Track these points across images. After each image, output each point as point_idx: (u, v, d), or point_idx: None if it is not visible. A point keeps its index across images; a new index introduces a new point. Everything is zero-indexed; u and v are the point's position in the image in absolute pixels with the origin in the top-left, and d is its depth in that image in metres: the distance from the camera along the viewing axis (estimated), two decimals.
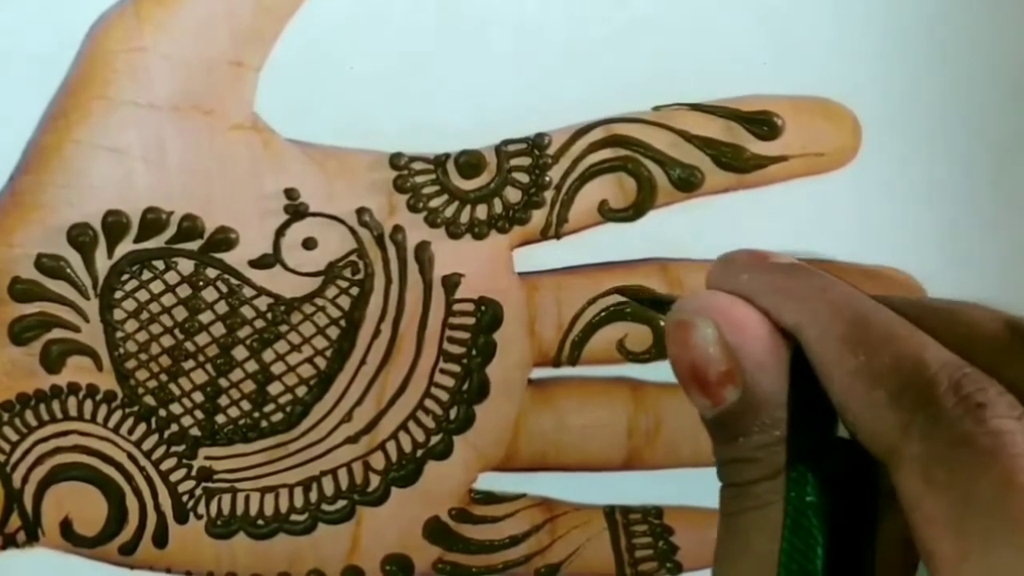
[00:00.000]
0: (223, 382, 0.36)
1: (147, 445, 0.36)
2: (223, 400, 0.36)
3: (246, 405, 0.36)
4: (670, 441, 0.37)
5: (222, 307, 0.36)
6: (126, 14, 0.34)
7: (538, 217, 0.37)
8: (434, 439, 0.37)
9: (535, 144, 0.36)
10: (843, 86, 0.36)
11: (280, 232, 0.36)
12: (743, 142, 0.36)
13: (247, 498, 0.37)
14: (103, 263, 0.35)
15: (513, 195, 0.36)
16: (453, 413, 0.37)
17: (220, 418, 0.36)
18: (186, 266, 0.36)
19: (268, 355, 0.36)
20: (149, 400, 0.36)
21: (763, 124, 0.36)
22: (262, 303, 0.36)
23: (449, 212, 0.36)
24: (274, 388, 0.36)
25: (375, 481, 0.37)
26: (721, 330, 0.26)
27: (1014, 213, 0.37)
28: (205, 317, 0.36)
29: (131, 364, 0.36)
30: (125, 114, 0.35)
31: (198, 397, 0.36)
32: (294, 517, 0.37)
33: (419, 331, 0.36)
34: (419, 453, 0.37)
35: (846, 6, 0.36)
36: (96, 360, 0.36)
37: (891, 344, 0.24)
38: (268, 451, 0.37)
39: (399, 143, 0.36)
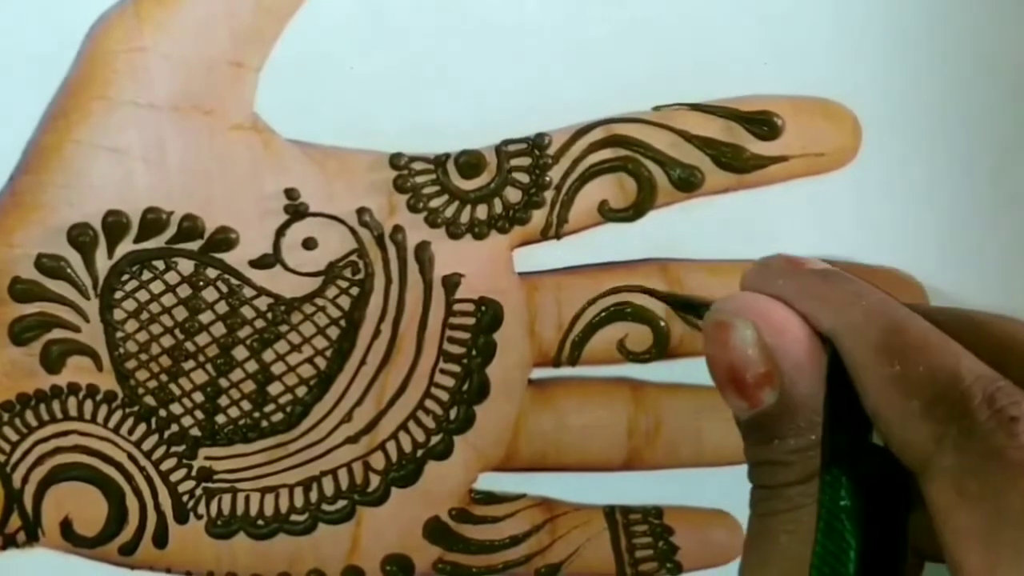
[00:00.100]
0: (223, 382, 0.36)
1: (147, 445, 0.36)
2: (223, 400, 0.36)
3: (246, 405, 0.36)
4: (670, 441, 0.37)
5: (222, 307, 0.36)
6: (126, 14, 0.34)
7: (538, 217, 0.37)
8: (434, 439, 0.37)
9: (535, 144, 0.36)
10: (843, 86, 0.36)
11: (280, 232, 0.36)
12: (743, 142, 0.36)
13: (247, 498, 0.37)
14: (103, 263, 0.35)
15: (513, 195, 0.36)
16: (453, 413, 0.37)
17: (220, 418, 0.36)
18: (186, 266, 0.36)
19: (268, 355, 0.36)
20: (149, 400, 0.36)
21: (763, 124, 0.36)
22: (262, 303, 0.36)
23: (449, 212, 0.36)
24: (274, 388, 0.36)
25: (375, 481, 0.37)
26: (760, 332, 0.26)
27: (1014, 213, 0.37)
28: (205, 317, 0.36)
29: (131, 364, 0.36)
30: (125, 114, 0.35)
31: (198, 397, 0.36)
32: (294, 517, 0.37)
33: (419, 331, 0.36)
34: (419, 453, 0.37)
35: (846, 6, 0.36)
36: (96, 360, 0.36)
37: (926, 354, 0.24)
38: (268, 451, 0.37)
39: (399, 143, 0.36)
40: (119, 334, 0.36)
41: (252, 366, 0.36)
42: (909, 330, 0.25)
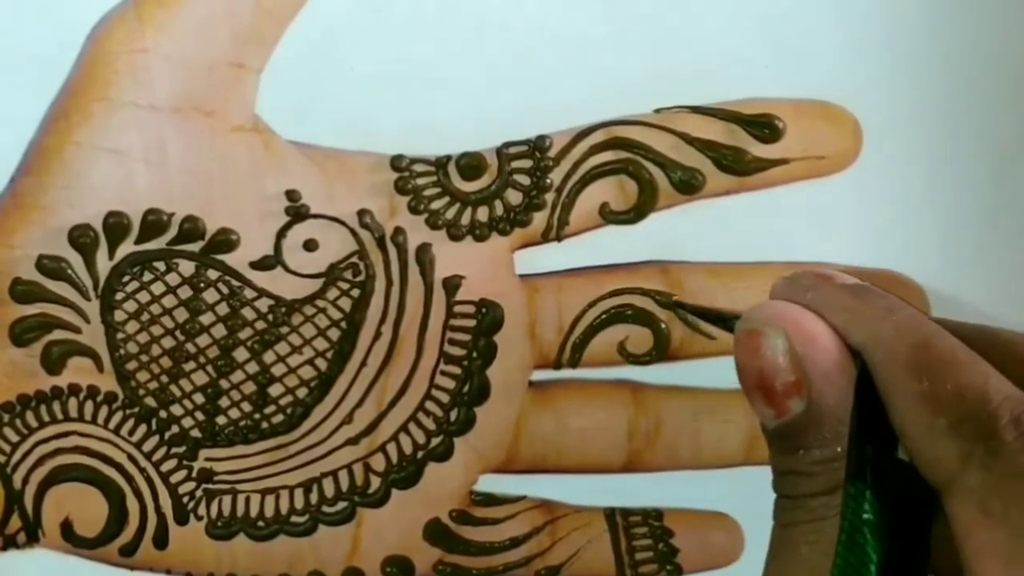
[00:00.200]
0: (224, 383, 0.36)
1: (148, 446, 0.36)
2: (224, 401, 0.36)
3: (247, 407, 0.36)
4: (670, 443, 0.37)
5: (223, 308, 0.36)
6: (127, 16, 0.34)
7: (539, 219, 0.37)
8: (435, 441, 0.37)
9: (536, 146, 0.36)
10: (844, 89, 0.36)
11: (281, 234, 0.36)
12: (744, 145, 0.36)
13: (247, 499, 0.37)
14: (104, 264, 0.35)
15: (514, 197, 0.36)
16: (454, 415, 0.37)
17: (221, 419, 0.36)
18: (187, 267, 0.36)
19: (269, 357, 0.36)
20: (150, 401, 0.36)
21: (764, 127, 0.36)
22: (263, 305, 0.36)
23: (450, 214, 0.36)
24: (275, 390, 0.36)
25: (375, 483, 0.37)
26: (791, 341, 0.26)
27: (1014, 215, 0.38)
28: (206, 318, 0.36)
29: (132, 365, 0.36)
30: (126, 115, 0.35)
31: (199, 398, 0.36)
32: (294, 518, 0.37)
33: (420, 333, 0.36)
34: (419, 455, 0.37)
35: (847, 9, 0.36)
36: (97, 361, 0.36)
37: (954, 372, 0.24)
38: (269, 452, 0.37)
39: (400, 145, 0.36)
40: (120, 335, 0.36)
41: (253, 367, 0.36)
42: (938, 347, 0.25)
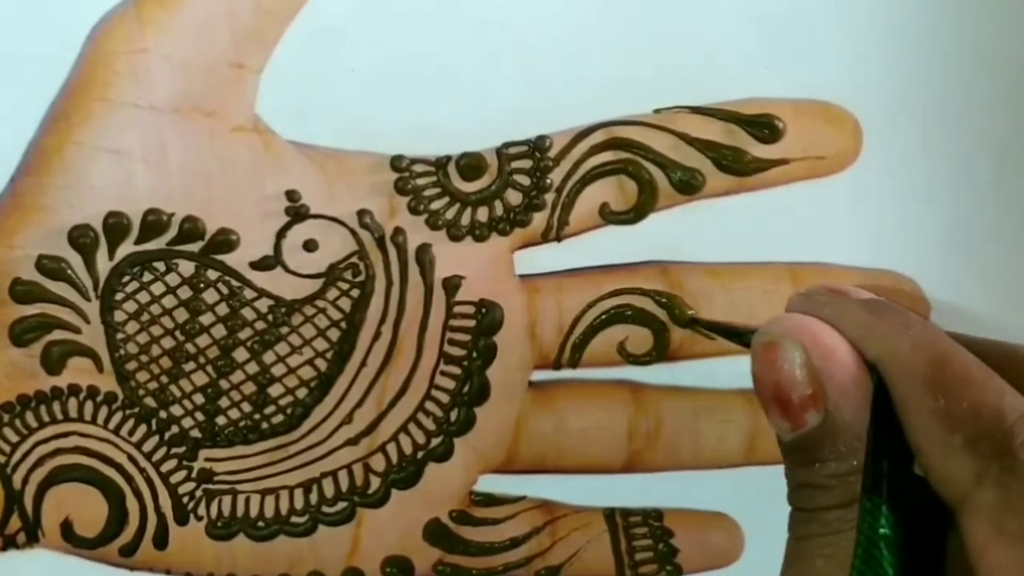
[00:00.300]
0: (224, 384, 0.36)
1: (147, 447, 0.36)
2: (224, 402, 0.36)
3: (247, 407, 0.36)
4: (670, 444, 0.37)
5: (223, 309, 0.36)
6: (127, 16, 0.34)
7: (539, 219, 0.37)
8: (434, 441, 0.37)
9: (536, 146, 0.36)
10: (844, 89, 0.36)
11: (281, 234, 0.36)
12: (744, 145, 0.36)
13: (247, 500, 0.37)
14: (104, 264, 0.35)
15: (514, 197, 0.36)
16: (453, 415, 0.37)
17: (221, 420, 0.36)
18: (187, 268, 0.36)
19: (269, 357, 0.36)
20: (150, 402, 0.36)
21: (764, 127, 0.36)
22: (263, 305, 0.36)
23: (450, 214, 0.36)
24: (275, 390, 0.36)
25: (375, 483, 0.37)
26: (809, 354, 0.26)
27: (1015, 216, 0.38)
28: (206, 319, 0.36)
29: (132, 366, 0.36)
30: (126, 116, 0.35)
31: (199, 399, 0.36)
32: (294, 519, 0.37)
33: (420, 333, 0.36)
34: (419, 455, 0.37)
35: (847, 9, 0.36)
36: (97, 362, 0.36)
37: (970, 389, 0.24)
38: (268, 453, 0.37)
39: (400, 145, 0.36)
40: (120, 335, 0.36)
41: (253, 368, 0.36)
42: (954, 364, 0.25)
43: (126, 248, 0.35)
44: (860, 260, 0.37)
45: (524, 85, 0.36)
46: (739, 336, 0.32)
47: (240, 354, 0.36)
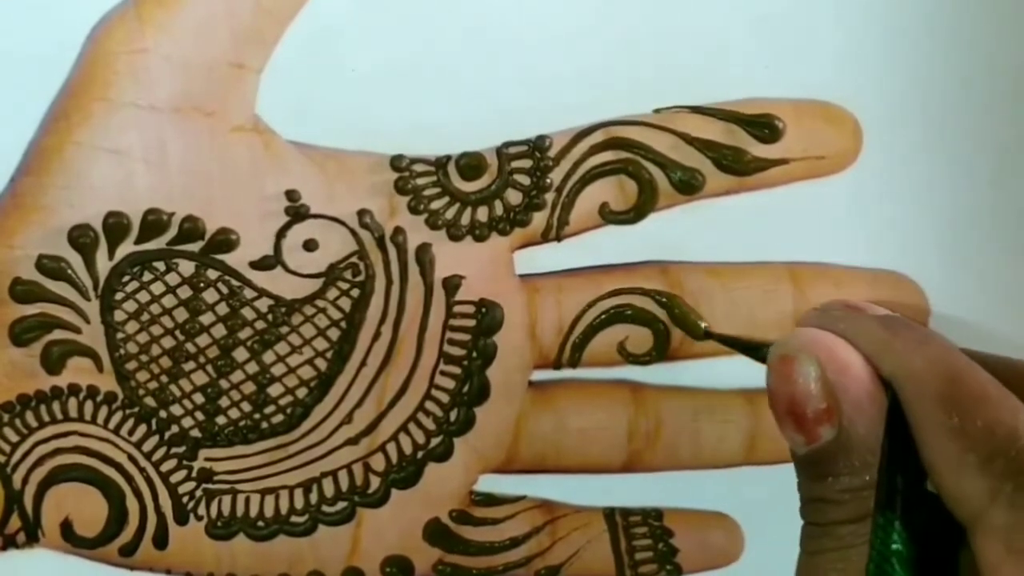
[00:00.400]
0: (224, 383, 0.36)
1: (147, 446, 0.36)
2: (224, 401, 0.36)
3: (246, 407, 0.36)
4: (670, 443, 0.37)
5: (223, 308, 0.36)
6: (127, 16, 0.34)
7: (539, 219, 0.37)
8: (434, 441, 0.37)
9: (536, 146, 0.36)
10: (844, 89, 0.36)
11: (281, 234, 0.36)
12: (744, 145, 0.36)
13: (247, 499, 0.37)
14: (104, 264, 0.35)
15: (514, 197, 0.36)
16: (453, 415, 0.37)
17: (220, 419, 0.36)
18: (187, 267, 0.36)
19: (269, 356, 0.36)
20: (149, 401, 0.36)
21: (764, 127, 0.36)
22: (263, 305, 0.36)
23: (450, 214, 0.36)
24: (274, 390, 0.36)
25: (375, 483, 0.37)
26: (824, 368, 0.26)
27: (1015, 216, 0.37)
28: (206, 318, 0.36)
29: (132, 365, 0.36)
30: (126, 116, 0.35)
31: (199, 398, 0.36)
32: (294, 519, 0.37)
33: (419, 333, 0.37)
34: (419, 455, 0.37)
35: (847, 9, 0.36)
36: (97, 361, 0.36)
37: (985, 408, 0.24)
38: (268, 452, 0.37)
39: (400, 145, 0.36)
40: (119, 335, 0.36)
41: (252, 367, 0.36)
42: (969, 381, 0.25)
43: (126, 248, 0.35)
44: (860, 260, 0.37)
45: (524, 85, 0.36)
46: (754, 351, 0.32)
47: (240, 354, 0.36)
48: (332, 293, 0.36)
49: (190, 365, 0.36)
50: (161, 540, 0.37)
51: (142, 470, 0.36)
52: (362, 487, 0.37)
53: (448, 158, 0.36)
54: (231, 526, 0.37)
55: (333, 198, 0.36)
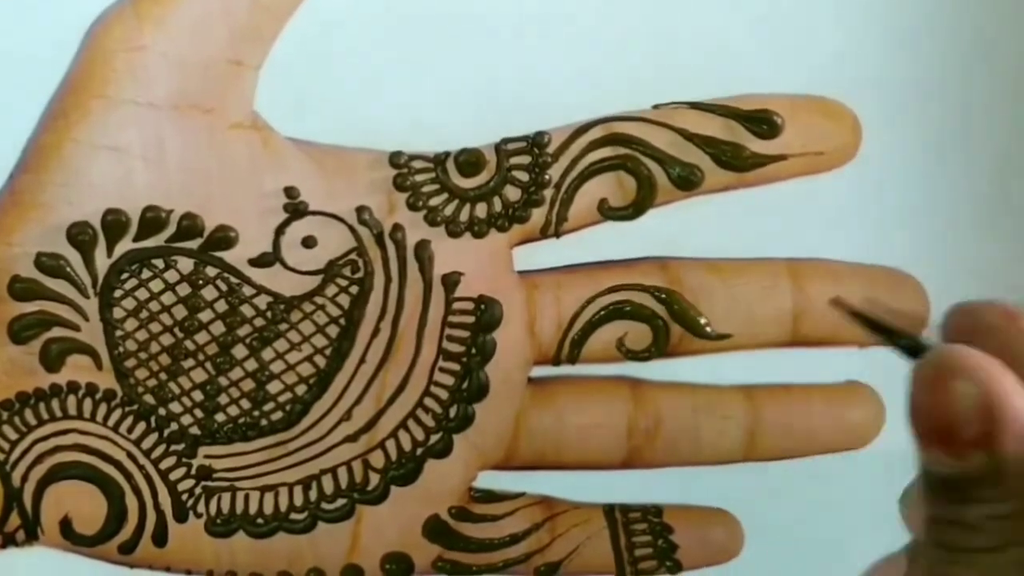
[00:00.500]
0: (223, 380, 0.36)
1: (146, 444, 0.36)
2: (223, 399, 0.36)
3: (245, 404, 0.36)
4: (670, 440, 0.37)
5: (221, 305, 0.36)
6: (125, 13, 0.34)
7: (538, 215, 0.37)
8: (434, 437, 0.37)
9: (535, 142, 0.36)
10: (843, 85, 0.36)
11: (280, 230, 0.36)
12: (743, 141, 0.36)
13: (247, 497, 0.37)
14: (102, 262, 0.35)
15: (513, 193, 0.36)
16: (453, 412, 0.37)
17: (219, 417, 0.36)
18: (186, 264, 0.35)
19: (268, 353, 0.36)
20: (148, 399, 0.36)
21: (763, 123, 0.36)
22: (262, 301, 0.36)
23: (449, 210, 0.36)
24: (274, 387, 0.36)
25: (375, 479, 0.37)
26: (986, 392, 0.25)
27: (1014, 213, 0.38)
28: (205, 315, 0.36)
29: (130, 363, 0.36)
30: (124, 113, 0.35)
31: (197, 396, 0.36)
32: (294, 516, 0.37)
33: (418, 329, 0.36)
34: (419, 451, 0.37)
35: (847, 6, 0.36)
36: (95, 359, 0.36)
37: None
38: (268, 450, 0.36)
39: (399, 141, 0.36)
40: (118, 332, 0.36)
41: (251, 364, 0.36)
42: None
43: (125, 245, 0.35)
44: (859, 255, 0.37)
45: (523, 81, 0.36)
46: (890, 335, 0.29)
47: (239, 351, 0.36)
48: (331, 290, 0.36)
49: (189, 362, 0.36)
50: (160, 538, 0.36)
51: (141, 468, 0.36)
52: (361, 484, 0.37)
53: (447, 154, 0.36)
54: (230, 523, 0.37)
55: (332, 195, 0.36)
